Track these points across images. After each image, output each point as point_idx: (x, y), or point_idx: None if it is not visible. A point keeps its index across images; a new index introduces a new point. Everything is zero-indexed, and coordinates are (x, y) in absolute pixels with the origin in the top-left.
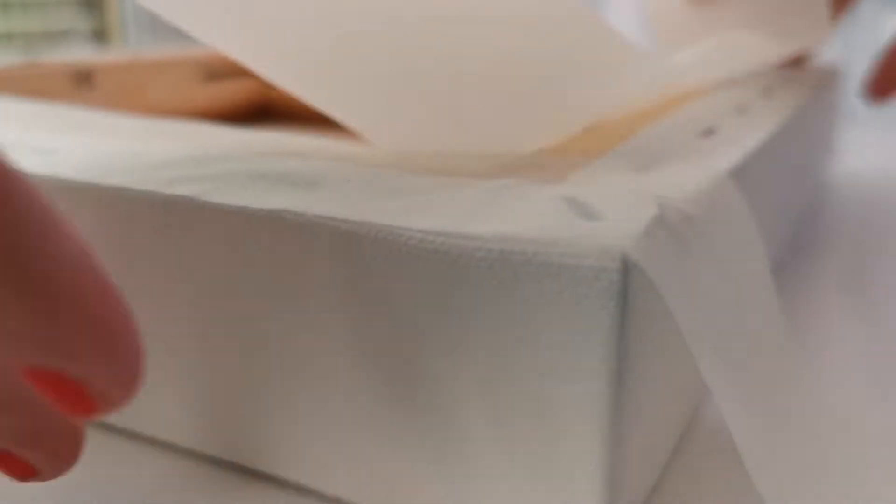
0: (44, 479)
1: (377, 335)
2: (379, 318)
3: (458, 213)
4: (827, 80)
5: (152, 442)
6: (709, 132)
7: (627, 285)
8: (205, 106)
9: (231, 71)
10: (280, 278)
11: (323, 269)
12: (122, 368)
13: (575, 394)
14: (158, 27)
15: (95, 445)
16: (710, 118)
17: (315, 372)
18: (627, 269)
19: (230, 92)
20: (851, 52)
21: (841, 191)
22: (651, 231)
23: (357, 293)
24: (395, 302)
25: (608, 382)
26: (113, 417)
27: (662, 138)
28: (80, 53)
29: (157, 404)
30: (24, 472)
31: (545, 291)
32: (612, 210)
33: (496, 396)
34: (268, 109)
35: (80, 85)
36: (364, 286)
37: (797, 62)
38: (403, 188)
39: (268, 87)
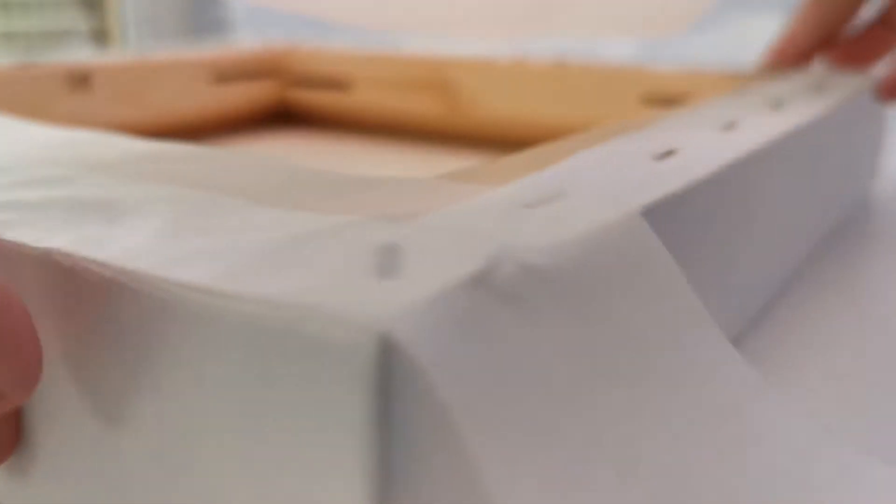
0: None
1: (134, 400)
2: (136, 381)
3: (240, 262)
4: (863, 90)
5: None
6: (667, 154)
7: (391, 371)
8: (215, 109)
9: (244, 72)
10: (48, 329)
11: (86, 320)
12: (22, 372)
13: (333, 501)
14: (159, 27)
15: None
16: (681, 136)
17: (66, 431)
18: (389, 350)
19: (243, 94)
20: None
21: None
22: (452, 296)
23: (116, 351)
24: (152, 364)
25: (368, 492)
26: None
27: (603, 160)
28: (79, 54)
29: None
30: None
31: (299, 372)
32: (425, 265)
33: (255, 490)
34: (288, 113)
35: (77, 87)
36: (124, 343)
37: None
38: (211, 224)
39: (287, 89)
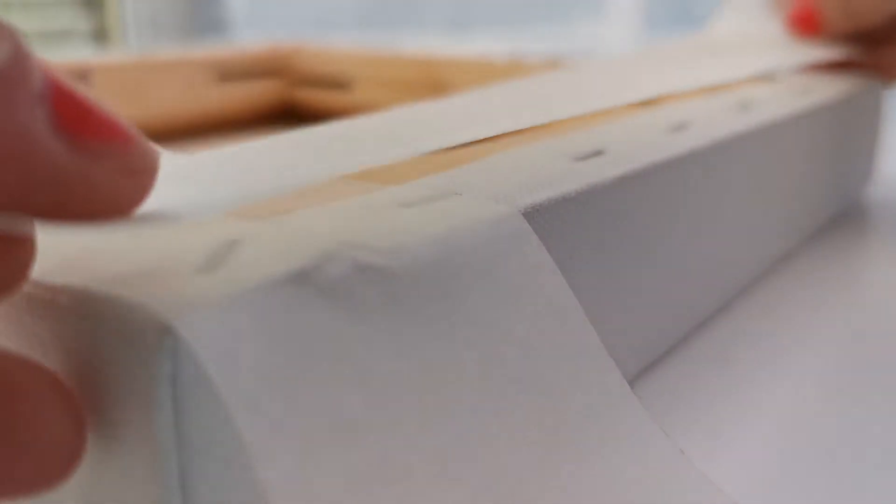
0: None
1: None
2: None
3: (81, 253)
4: (854, 94)
5: None
6: (593, 154)
7: (176, 363)
8: (219, 108)
9: (249, 72)
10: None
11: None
12: (33, 465)
13: (144, 499)
14: (159, 27)
15: None
16: (619, 136)
17: None
18: (173, 343)
19: (248, 93)
20: None
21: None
22: (261, 291)
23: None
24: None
25: (155, 480)
26: None
27: (521, 159)
28: (79, 53)
29: None
30: None
31: (106, 361)
32: (250, 261)
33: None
34: (294, 112)
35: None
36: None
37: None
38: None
39: (292, 88)
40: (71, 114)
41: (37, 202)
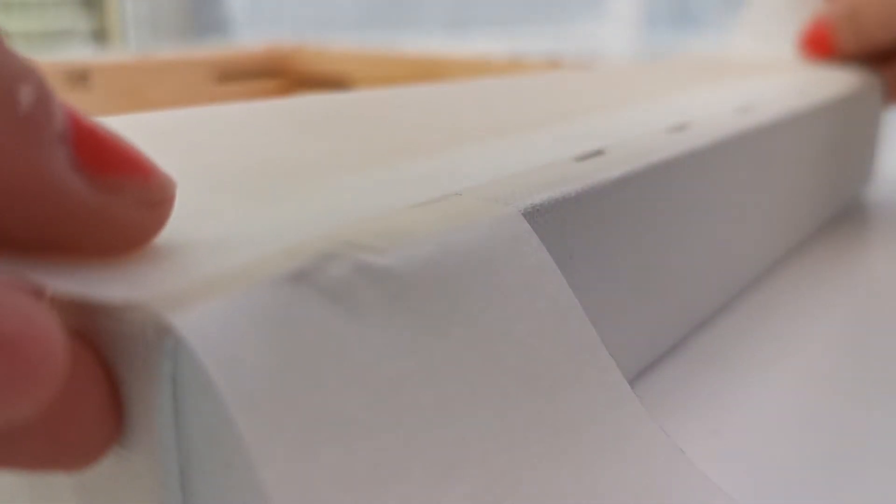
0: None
1: None
2: None
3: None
4: (853, 94)
5: None
6: (594, 154)
7: (176, 363)
8: None
9: (249, 72)
10: None
11: None
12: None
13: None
14: (158, 27)
15: None
16: (619, 136)
17: None
18: (179, 347)
19: (248, 93)
20: None
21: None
22: (261, 291)
23: None
24: None
25: (156, 478)
26: None
27: (524, 158)
28: (79, 53)
29: None
30: None
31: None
32: (254, 261)
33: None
34: None
35: (76, 85)
36: None
37: None
38: None
39: (292, 87)
40: (91, 151)
41: (58, 237)
